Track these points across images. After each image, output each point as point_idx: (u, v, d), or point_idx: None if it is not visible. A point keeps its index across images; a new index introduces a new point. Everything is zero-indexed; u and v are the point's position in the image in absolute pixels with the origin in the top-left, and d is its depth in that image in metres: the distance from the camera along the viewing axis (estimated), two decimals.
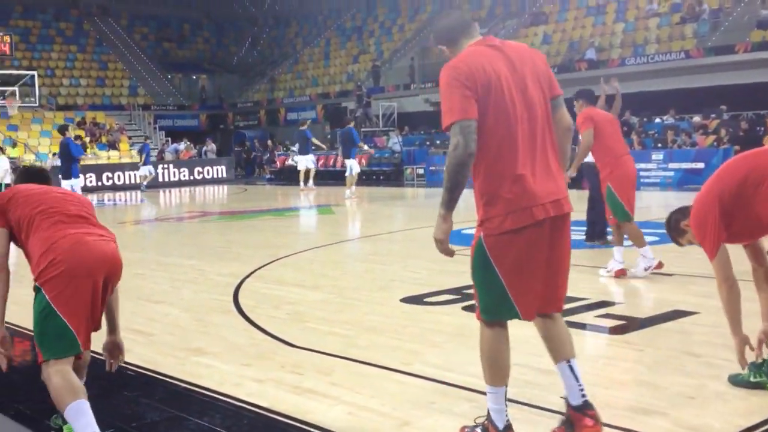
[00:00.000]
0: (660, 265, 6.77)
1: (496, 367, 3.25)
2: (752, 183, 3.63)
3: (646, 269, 6.75)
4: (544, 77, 3.18)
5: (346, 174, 19.13)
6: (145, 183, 24.93)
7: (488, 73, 3.02)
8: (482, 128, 2.99)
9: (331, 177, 25.09)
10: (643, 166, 17.53)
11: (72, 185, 14.82)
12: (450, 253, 3.20)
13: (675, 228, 4.02)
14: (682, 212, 3.97)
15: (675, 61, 22.44)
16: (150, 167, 25.24)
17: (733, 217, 3.65)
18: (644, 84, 22.75)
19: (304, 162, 21.32)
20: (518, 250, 3.07)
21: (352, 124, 20.95)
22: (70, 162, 15.43)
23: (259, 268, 8.25)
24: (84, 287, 3.25)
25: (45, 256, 3.25)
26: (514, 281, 3.09)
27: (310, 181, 21.17)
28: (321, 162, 26.14)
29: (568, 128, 3.29)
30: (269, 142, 33.13)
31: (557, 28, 28.19)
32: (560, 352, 3.29)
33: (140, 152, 25.71)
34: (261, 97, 38.39)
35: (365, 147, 23.15)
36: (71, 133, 16.32)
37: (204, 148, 32.36)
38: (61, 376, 3.18)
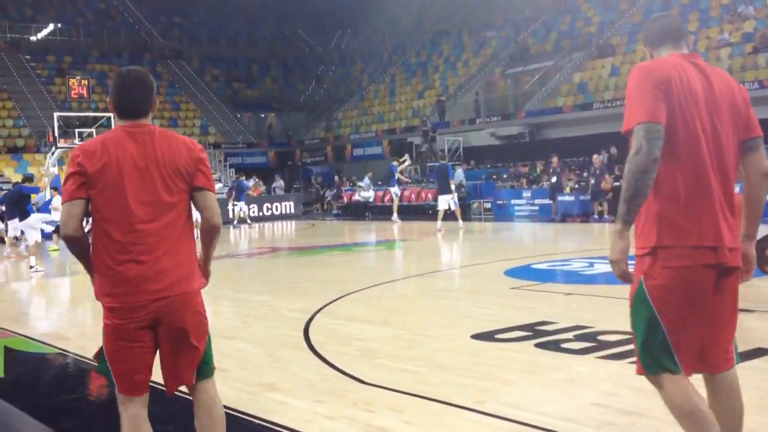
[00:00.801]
0: None
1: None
2: None
3: None
4: (742, 114, 2.91)
5: (443, 208, 18.88)
6: (248, 220, 25.82)
7: (684, 87, 2.78)
8: (667, 143, 2.74)
9: (412, 212, 25.06)
10: None
11: None
12: (629, 278, 2.85)
13: (761, 255, 3.87)
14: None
15: (750, 91, 21.85)
16: (242, 204, 26.03)
17: None
18: None
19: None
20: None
21: (446, 160, 21.56)
22: None
23: (328, 303, 8.29)
24: None
25: None
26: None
27: (394, 215, 22.26)
28: (388, 197, 26.29)
29: (765, 174, 2.93)
30: (336, 178, 33.55)
31: (625, 60, 27.87)
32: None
33: (234, 189, 26.56)
34: (327, 133, 38.98)
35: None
36: None
37: (273, 185, 32.99)
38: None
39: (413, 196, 26.61)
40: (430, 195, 26.07)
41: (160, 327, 3.15)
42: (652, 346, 2.83)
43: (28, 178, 16.98)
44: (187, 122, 37.84)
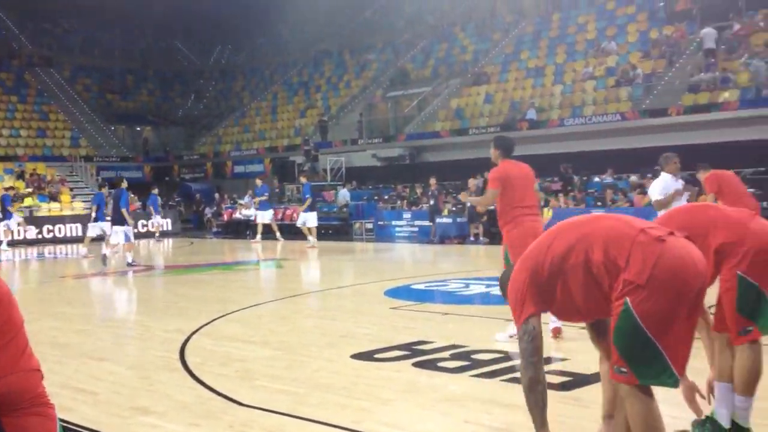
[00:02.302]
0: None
1: None
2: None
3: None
4: None
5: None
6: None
7: None
8: None
9: (280, 230, 24.92)
10: None
11: None
12: None
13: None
14: None
15: (611, 123, 23.27)
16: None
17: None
18: (584, 144, 23.53)
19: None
20: None
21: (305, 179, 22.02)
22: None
23: (207, 323, 8.16)
24: None
25: None
26: None
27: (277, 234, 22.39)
28: (279, 215, 26.17)
29: None
30: (216, 195, 32.94)
31: (499, 88, 29.00)
32: None
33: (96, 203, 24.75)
34: (207, 149, 38.26)
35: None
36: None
37: (148, 201, 31.92)
38: None
39: (295, 215, 26.53)
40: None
41: None
42: None
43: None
44: (57, 133, 36.14)
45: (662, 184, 8.77)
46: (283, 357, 6.50)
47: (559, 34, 30.71)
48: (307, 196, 20.94)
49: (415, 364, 5.95)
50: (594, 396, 4.95)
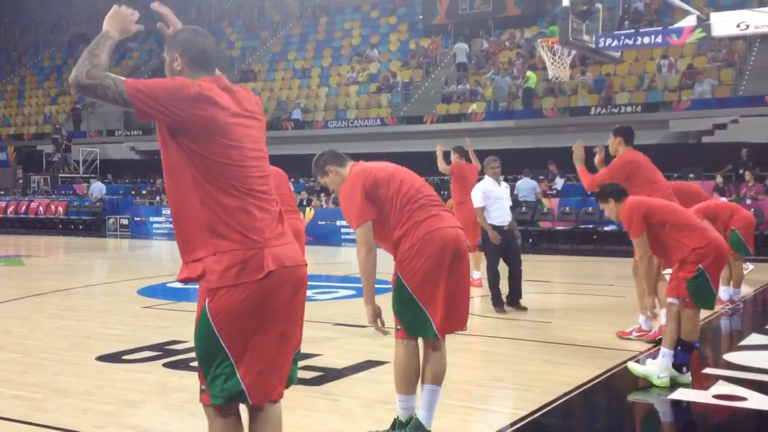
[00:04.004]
0: None
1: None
2: None
3: None
4: None
5: None
6: None
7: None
8: None
9: (22, 225, 23.09)
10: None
11: None
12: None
13: None
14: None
15: (372, 127, 24.24)
16: None
17: None
18: (346, 146, 24.10)
19: None
20: None
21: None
22: None
23: None
24: None
25: None
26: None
27: None
28: (12, 209, 24.07)
29: None
30: None
31: (265, 87, 29.03)
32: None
33: None
34: None
35: None
36: None
37: None
38: None
39: (41, 208, 24.67)
40: (60, 208, 24.48)
41: None
42: None
43: None
44: None
45: (482, 189, 8.42)
46: (19, 360, 6.01)
47: (325, 38, 31.39)
48: None
49: (167, 365, 5.79)
50: (343, 390, 5.14)
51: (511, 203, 8.60)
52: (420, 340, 3.94)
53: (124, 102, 2.55)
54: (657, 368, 5.05)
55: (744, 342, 6.77)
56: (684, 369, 5.12)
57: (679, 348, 5.10)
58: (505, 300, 8.29)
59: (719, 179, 15.89)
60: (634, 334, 6.71)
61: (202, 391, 2.72)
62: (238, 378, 2.64)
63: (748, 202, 15.94)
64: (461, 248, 3.91)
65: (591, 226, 17.28)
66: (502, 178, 8.72)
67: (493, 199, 8.36)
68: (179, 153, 2.62)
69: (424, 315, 3.81)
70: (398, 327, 3.88)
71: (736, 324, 8.00)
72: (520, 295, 8.33)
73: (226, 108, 2.67)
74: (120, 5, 2.75)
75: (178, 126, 2.59)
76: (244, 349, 2.64)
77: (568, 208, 18.09)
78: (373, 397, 4.95)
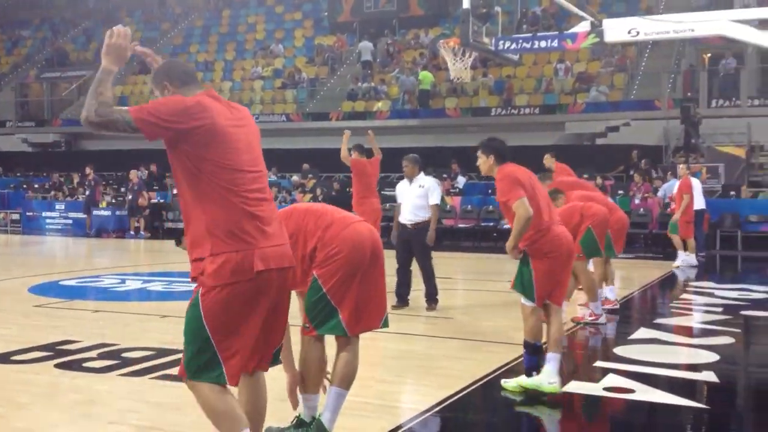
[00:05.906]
0: None
1: None
2: None
3: None
4: None
5: None
6: None
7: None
8: None
9: None
10: None
11: None
12: None
13: None
14: None
15: (277, 123, 24.02)
16: None
17: None
18: None
19: None
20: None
21: None
22: None
23: None
24: None
25: None
26: None
27: None
28: None
29: None
30: None
31: None
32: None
33: None
34: None
35: None
36: None
37: None
38: None
39: None
40: None
41: None
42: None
43: None
44: None
45: (396, 188, 8.82)
46: None
47: (228, 31, 30.89)
48: None
49: (58, 365, 5.58)
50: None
51: (424, 203, 8.38)
52: (334, 340, 3.90)
53: (134, 130, 2.87)
54: (545, 376, 4.97)
55: (633, 336, 7.09)
56: (534, 373, 5.00)
57: (525, 351, 5.10)
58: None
59: (599, 180, 16.56)
60: (587, 318, 7.41)
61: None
62: (220, 361, 2.95)
63: (637, 201, 16.69)
64: (377, 247, 3.89)
65: (491, 224, 17.70)
66: (422, 175, 8.68)
67: (401, 197, 8.60)
68: (184, 160, 2.93)
69: (335, 312, 3.75)
70: (307, 325, 3.85)
71: (626, 319, 8.37)
72: (431, 293, 8.33)
73: (221, 114, 2.99)
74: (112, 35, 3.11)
75: (182, 136, 2.90)
76: (228, 340, 2.94)
77: (470, 206, 18.46)
78: (271, 395, 4.91)
